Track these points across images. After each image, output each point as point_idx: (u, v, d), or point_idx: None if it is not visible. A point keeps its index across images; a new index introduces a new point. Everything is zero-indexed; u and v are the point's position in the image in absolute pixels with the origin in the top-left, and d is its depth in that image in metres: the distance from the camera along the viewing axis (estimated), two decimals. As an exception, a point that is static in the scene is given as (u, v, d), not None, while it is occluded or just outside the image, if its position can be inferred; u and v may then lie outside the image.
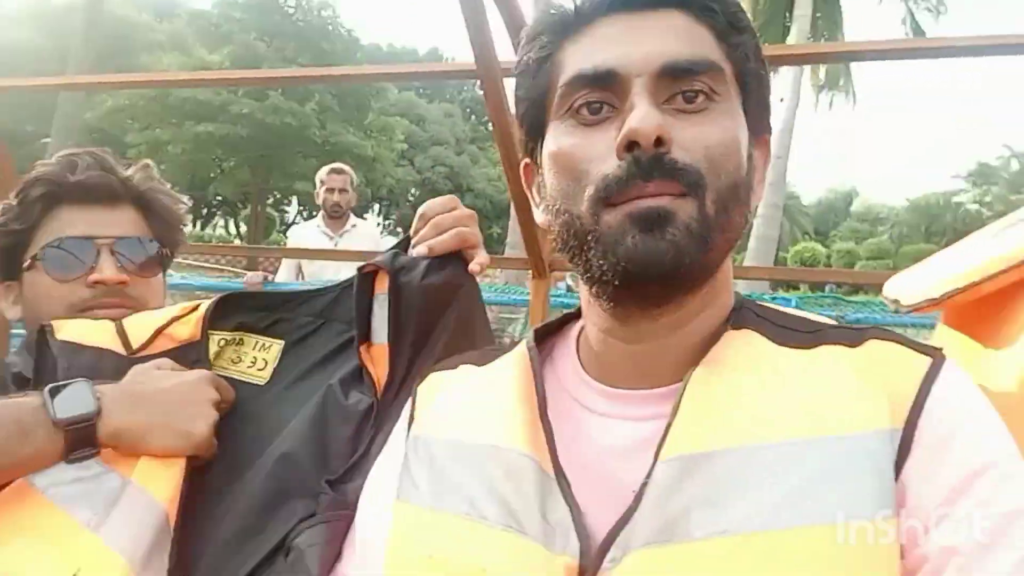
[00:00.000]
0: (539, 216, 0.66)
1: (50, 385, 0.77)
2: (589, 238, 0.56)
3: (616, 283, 0.56)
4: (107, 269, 1.00)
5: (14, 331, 1.84)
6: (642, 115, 0.54)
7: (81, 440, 0.75)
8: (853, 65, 16.04)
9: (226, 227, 38.21)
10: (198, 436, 0.79)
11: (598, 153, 0.56)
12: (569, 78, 0.58)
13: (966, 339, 0.76)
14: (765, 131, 0.64)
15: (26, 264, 1.01)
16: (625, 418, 0.59)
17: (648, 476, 0.52)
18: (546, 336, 0.70)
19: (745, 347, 0.58)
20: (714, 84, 0.57)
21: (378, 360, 0.88)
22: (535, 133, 0.64)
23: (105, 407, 0.76)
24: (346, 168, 4.08)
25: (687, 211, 0.54)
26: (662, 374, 0.59)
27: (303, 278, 4.02)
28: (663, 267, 0.54)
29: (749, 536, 0.48)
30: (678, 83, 0.56)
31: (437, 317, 0.88)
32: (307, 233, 4.17)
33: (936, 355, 0.56)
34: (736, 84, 0.59)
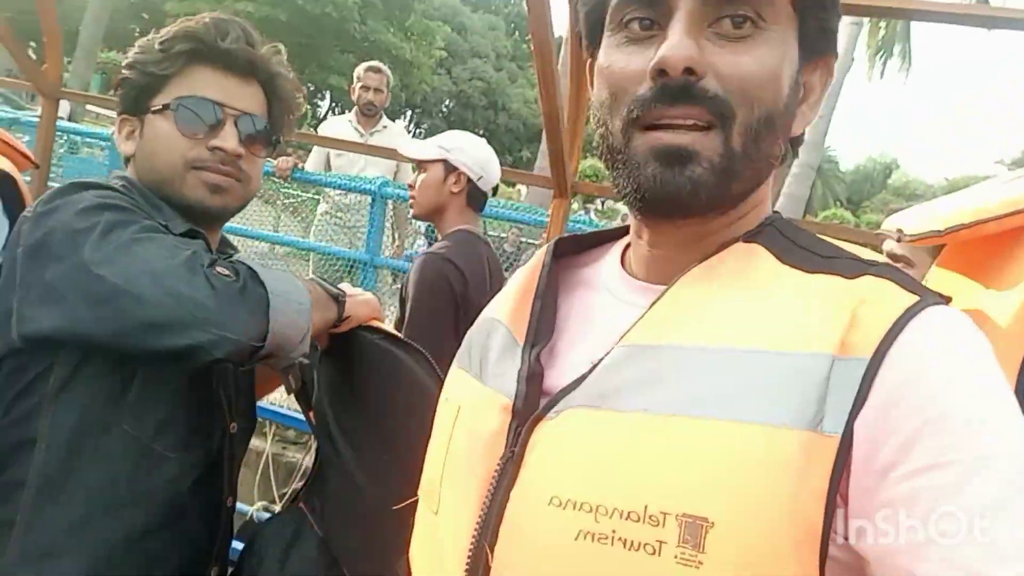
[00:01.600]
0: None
1: (311, 277, 1.06)
2: (619, 158, 0.60)
3: (639, 202, 0.60)
4: (230, 139, 1.05)
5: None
6: (673, 44, 0.55)
7: (341, 315, 1.05)
8: (912, 34, 15.35)
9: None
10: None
11: (635, 73, 0.58)
12: None
13: (962, 278, 0.74)
14: (826, 51, 0.62)
15: (156, 108, 1.05)
16: (630, 304, 0.64)
17: (605, 355, 0.59)
18: (599, 244, 0.77)
19: (742, 259, 0.60)
20: (761, 10, 0.56)
21: None
22: (593, 41, 0.65)
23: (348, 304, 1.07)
24: (384, 68, 4.08)
25: (711, 147, 0.56)
26: (674, 273, 0.62)
27: (330, 169, 4.09)
28: (679, 201, 0.57)
29: (667, 418, 0.53)
30: (724, 7, 0.56)
31: None
32: (338, 128, 4.21)
33: (927, 295, 0.54)
34: (790, 8, 0.58)
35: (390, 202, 3.76)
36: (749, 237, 0.61)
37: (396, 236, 4.31)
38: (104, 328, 0.84)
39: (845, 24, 14.51)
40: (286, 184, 4.15)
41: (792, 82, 0.59)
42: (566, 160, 2.42)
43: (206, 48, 1.04)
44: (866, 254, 0.60)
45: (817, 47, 0.61)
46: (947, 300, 0.55)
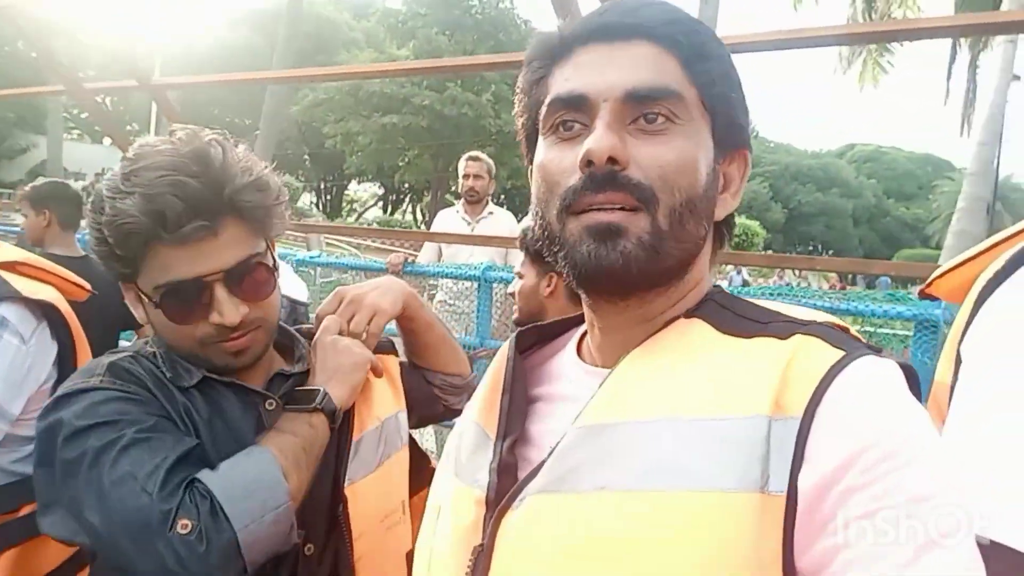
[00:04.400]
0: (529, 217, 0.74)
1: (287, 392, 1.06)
2: (556, 242, 0.65)
3: (578, 282, 0.65)
4: (227, 310, 0.97)
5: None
6: (597, 137, 0.61)
7: (334, 418, 1.05)
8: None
9: (413, 213, 40.57)
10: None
11: (568, 167, 0.64)
12: (550, 99, 0.66)
13: None
14: (740, 146, 0.69)
15: (143, 295, 0.99)
16: (585, 389, 0.67)
17: (561, 439, 0.62)
18: (560, 333, 0.81)
19: (684, 334, 0.64)
20: (674, 108, 0.63)
21: None
22: (532, 146, 0.71)
23: (330, 391, 1.05)
24: (483, 156, 4.21)
25: (640, 225, 0.61)
26: (622, 354, 0.66)
27: (442, 259, 4.24)
28: (613, 274, 0.61)
29: (624, 494, 0.56)
30: (641, 107, 0.62)
31: None
32: (448, 218, 4.37)
33: (852, 350, 0.57)
34: (701, 108, 0.65)
35: (495, 285, 3.82)
36: (690, 313, 0.66)
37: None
38: (100, 549, 0.93)
39: (999, 42, 13.37)
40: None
41: (710, 171, 0.65)
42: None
43: (154, 238, 0.94)
44: (806, 315, 0.63)
45: (730, 140, 0.67)
46: (877, 351, 0.58)
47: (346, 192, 43.06)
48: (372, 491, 1.11)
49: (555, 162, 0.65)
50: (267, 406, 1.05)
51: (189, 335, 0.99)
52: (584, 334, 0.74)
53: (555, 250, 0.65)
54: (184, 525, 0.85)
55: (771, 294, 4.14)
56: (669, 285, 0.65)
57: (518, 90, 0.73)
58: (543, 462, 0.62)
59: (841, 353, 0.56)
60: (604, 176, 0.61)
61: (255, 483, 0.92)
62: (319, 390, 1.05)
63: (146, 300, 1.00)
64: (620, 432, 0.59)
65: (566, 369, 0.74)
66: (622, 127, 0.62)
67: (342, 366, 1.10)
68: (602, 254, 0.61)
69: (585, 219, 0.62)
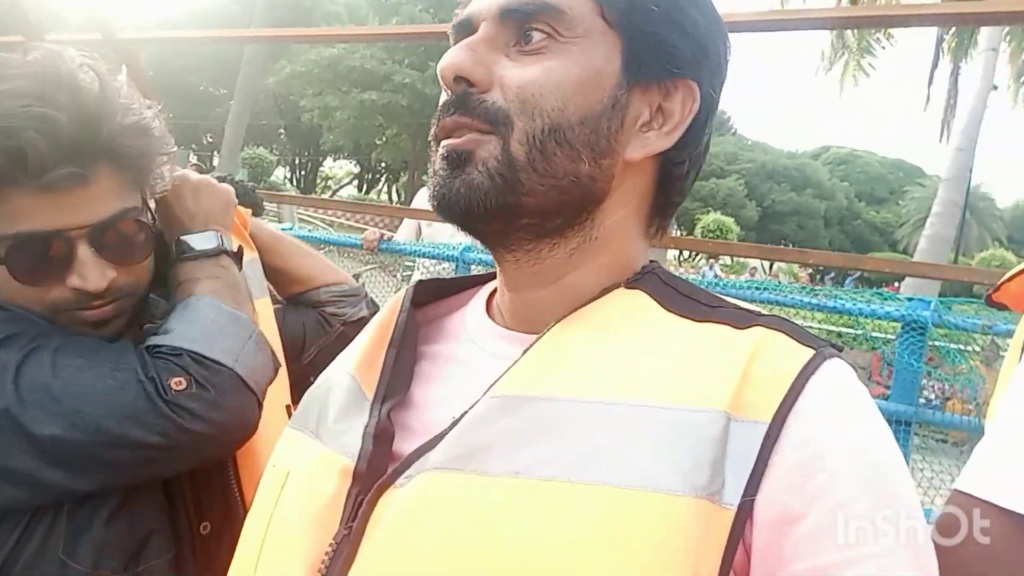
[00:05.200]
0: None
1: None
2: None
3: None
4: (91, 274, 0.80)
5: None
6: (445, 56, 0.57)
7: (238, 260, 0.98)
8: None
9: (388, 193, 40.25)
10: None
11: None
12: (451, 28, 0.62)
13: None
14: (676, 74, 0.58)
15: None
16: (497, 355, 0.59)
17: (469, 408, 0.52)
18: (463, 289, 0.72)
19: (624, 306, 0.57)
20: (556, 24, 0.55)
21: None
22: None
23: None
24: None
25: (489, 151, 0.55)
26: (540, 319, 0.58)
27: (420, 237, 4.11)
28: (456, 205, 0.55)
29: (541, 483, 0.47)
30: (520, 25, 0.56)
31: None
32: (426, 198, 4.25)
33: (821, 347, 0.52)
34: (603, 24, 0.56)
35: (473, 267, 3.72)
36: (631, 283, 0.58)
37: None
38: (85, 483, 0.77)
39: (981, 51, 13.52)
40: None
41: (608, 98, 0.56)
42: None
43: (8, 182, 0.77)
44: (746, 304, 0.58)
45: (658, 65, 0.57)
46: (839, 349, 0.54)
47: (321, 168, 42.53)
48: (260, 447, 0.93)
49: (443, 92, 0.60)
50: None
51: (38, 299, 0.81)
52: (495, 291, 0.66)
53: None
54: (178, 383, 0.78)
55: (750, 287, 4.08)
56: (560, 235, 0.58)
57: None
58: (443, 434, 0.52)
59: (810, 351, 0.51)
60: (457, 99, 0.56)
61: (216, 322, 0.85)
62: (212, 232, 0.94)
63: None
64: (546, 408, 0.50)
65: (469, 326, 0.65)
66: (496, 48, 0.56)
67: (215, 209, 0.96)
68: (447, 183, 0.55)
69: (441, 147, 0.57)
